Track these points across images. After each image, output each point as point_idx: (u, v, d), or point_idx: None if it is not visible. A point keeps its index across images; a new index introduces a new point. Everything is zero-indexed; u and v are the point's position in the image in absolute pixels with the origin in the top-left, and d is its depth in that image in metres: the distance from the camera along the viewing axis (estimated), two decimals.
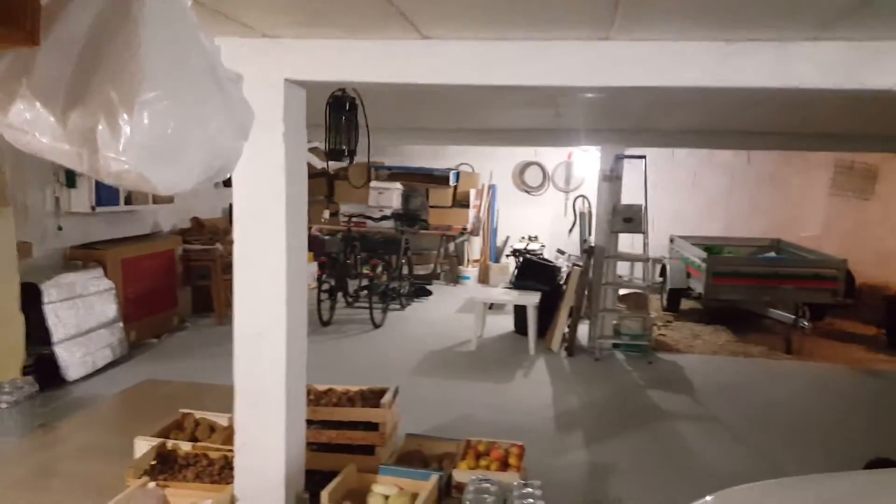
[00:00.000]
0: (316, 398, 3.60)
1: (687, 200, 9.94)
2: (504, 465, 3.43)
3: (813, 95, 2.91)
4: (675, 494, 3.72)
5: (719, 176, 10.04)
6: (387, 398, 3.52)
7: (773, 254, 8.66)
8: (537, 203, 10.48)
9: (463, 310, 8.34)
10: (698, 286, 7.79)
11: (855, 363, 6.53)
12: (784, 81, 2.45)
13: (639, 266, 8.25)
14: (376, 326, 7.24)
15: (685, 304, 8.66)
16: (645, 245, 6.50)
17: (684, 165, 9.96)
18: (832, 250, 8.42)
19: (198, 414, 3.75)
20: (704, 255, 7.61)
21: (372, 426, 3.44)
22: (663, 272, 8.65)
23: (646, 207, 6.43)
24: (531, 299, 6.43)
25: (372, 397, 3.63)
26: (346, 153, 3.24)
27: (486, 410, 4.90)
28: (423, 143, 10.16)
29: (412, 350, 6.43)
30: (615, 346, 6.57)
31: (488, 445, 3.58)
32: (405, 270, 8.62)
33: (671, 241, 9.21)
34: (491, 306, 7.24)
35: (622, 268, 7.55)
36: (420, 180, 10.22)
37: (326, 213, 9.80)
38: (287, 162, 2.78)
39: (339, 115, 3.21)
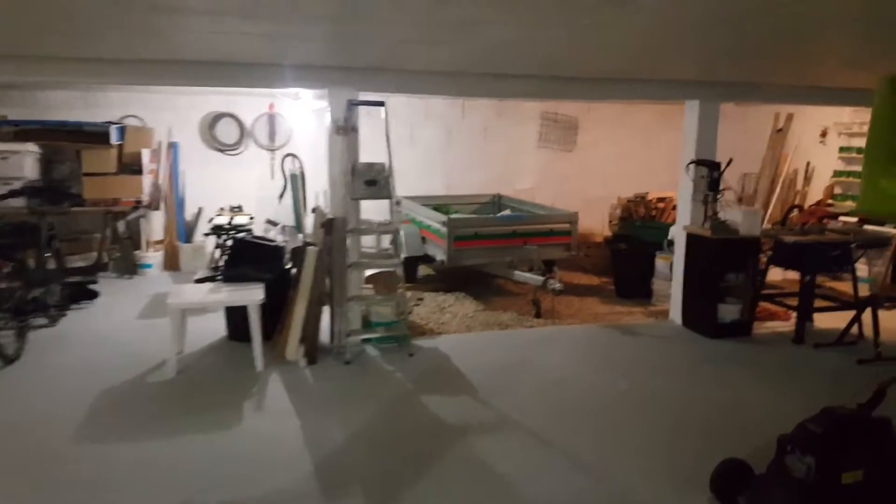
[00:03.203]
0: None
1: (404, 156, 8.99)
2: None
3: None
4: None
5: (435, 129, 9.32)
6: None
7: (508, 212, 8.24)
8: (236, 164, 8.47)
9: (148, 313, 6.15)
10: (438, 253, 6.93)
11: (604, 320, 6.32)
12: None
13: (369, 238, 7.07)
14: (9, 361, 4.74)
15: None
16: (392, 212, 5.26)
17: (400, 118, 8.97)
18: (545, 202, 8.39)
19: None
20: (444, 218, 6.74)
21: None
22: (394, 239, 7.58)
23: (390, 165, 5.16)
24: (253, 296, 4.70)
25: None
26: None
27: (210, 481, 3.19)
28: (65, 84, 7.36)
29: (75, 392, 4.24)
30: (366, 340, 5.27)
31: None
32: (52, 266, 6.04)
33: (398, 203, 8.17)
34: None
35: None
36: (66, 139, 7.38)
37: None
38: None
39: None
